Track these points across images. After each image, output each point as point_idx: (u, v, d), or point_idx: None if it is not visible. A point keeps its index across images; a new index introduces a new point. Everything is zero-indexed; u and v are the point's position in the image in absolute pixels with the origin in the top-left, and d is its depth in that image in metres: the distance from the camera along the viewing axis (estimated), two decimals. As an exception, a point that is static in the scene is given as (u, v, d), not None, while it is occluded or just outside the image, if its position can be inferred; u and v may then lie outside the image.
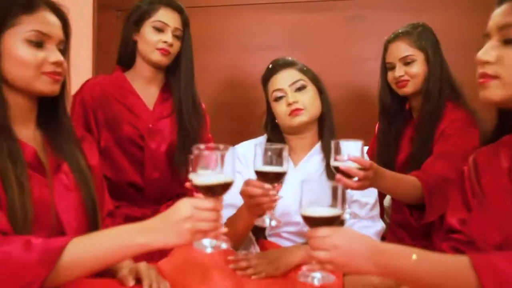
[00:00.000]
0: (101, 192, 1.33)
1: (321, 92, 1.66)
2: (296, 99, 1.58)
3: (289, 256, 1.43)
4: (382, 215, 1.98)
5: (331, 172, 1.47)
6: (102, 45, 2.75)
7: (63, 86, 1.22)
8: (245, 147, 1.67)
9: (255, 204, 1.26)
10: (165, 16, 1.75)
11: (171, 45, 1.75)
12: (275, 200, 1.25)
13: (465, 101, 1.81)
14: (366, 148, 2.21)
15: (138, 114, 1.80)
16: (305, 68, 1.66)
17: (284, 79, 1.62)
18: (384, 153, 1.90)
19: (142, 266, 1.23)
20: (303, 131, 1.64)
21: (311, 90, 1.63)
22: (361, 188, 1.31)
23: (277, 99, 1.63)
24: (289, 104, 1.58)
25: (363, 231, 1.55)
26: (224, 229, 1.07)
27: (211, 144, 1.12)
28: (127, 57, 1.83)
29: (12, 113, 1.14)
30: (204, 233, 1.02)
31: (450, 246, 1.11)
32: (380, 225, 1.63)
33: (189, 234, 1.00)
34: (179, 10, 1.79)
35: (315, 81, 1.66)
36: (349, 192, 1.56)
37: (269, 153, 1.19)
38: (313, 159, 1.65)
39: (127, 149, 1.78)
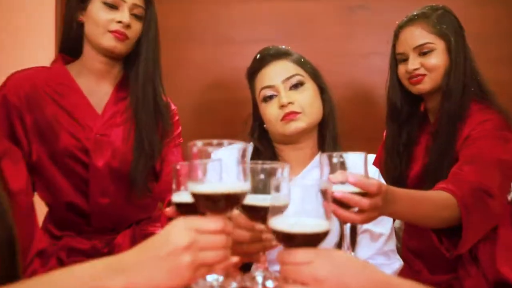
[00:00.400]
0: (27, 225, 1.02)
1: (323, 90, 1.37)
2: (291, 99, 1.28)
3: None
4: None
5: None
6: None
7: None
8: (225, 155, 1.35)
9: (242, 252, 0.91)
10: None
11: (127, 26, 1.39)
12: (271, 247, 0.93)
13: (494, 100, 1.50)
14: (371, 156, 1.96)
15: (81, 119, 1.42)
16: (302, 60, 1.36)
17: (276, 74, 1.32)
18: (393, 166, 1.59)
19: None
20: (299, 140, 1.34)
21: (310, 88, 1.33)
22: (365, 221, 0.97)
23: (267, 99, 1.33)
24: (282, 106, 1.28)
25: None
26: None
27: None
28: (71, 44, 1.46)
29: None
30: (210, 268, 0.75)
31: None
32: (398, 263, 1.30)
33: (188, 271, 0.72)
34: None
35: (315, 76, 1.37)
36: None
37: (262, 175, 0.86)
38: (312, 175, 1.34)
39: (66, 165, 1.41)
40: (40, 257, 1.04)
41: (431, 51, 1.50)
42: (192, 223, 0.74)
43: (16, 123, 1.38)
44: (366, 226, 1.28)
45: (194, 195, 0.78)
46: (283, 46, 1.39)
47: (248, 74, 1.39)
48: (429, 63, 1.49)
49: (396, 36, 1.58)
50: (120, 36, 1.38)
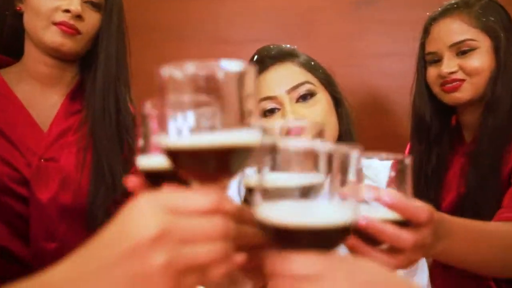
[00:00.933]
0: None
1: (338, 102, 1.12)
2: (298, 114, 1.04)
3: None
4: None
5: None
6: None
7: None
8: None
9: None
10: None
11: (78, 16, 1.11)
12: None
13: None
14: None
15: (19, 140, 1.12)
16: (312, 63, 1.12)
17: (279, 81, 1.07)
18: (420, 195, 1.33)
19: None
20: None
21: (322, 100, 1.08)
22: (402, 267, 0.65)
23: (267, 113, 1.07)
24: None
25: None
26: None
27: None
28: (7, 42, 1.18)
29: None
30: (200, 273, 0.46)
31: None
32: None
33: (164, 278, 0.43)
34: None
35: (329, 84, 1.12)
36: None
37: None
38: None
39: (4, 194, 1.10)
40: None
41: (472, 50, 1.25)
42: (165, 199, 0.46)
43: None
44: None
45: (171, 153, 0.50)
46: (287, 46, 1.15)
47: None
48: (470, 66, 1.24)
49: (427, 31, 1.34)
50: (68, 30, 1.10)
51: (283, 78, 1.07)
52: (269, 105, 1.06)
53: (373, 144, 1.98)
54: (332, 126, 1.08)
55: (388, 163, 0.65)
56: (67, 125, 1.17)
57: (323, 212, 0.48)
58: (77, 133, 1.15)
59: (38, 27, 1.11)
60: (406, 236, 0.61)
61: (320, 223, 0.47)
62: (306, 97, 1.06)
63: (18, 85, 1.16)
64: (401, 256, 0.63)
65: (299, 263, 0.47)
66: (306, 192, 0.48)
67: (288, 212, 0.47)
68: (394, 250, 0.63)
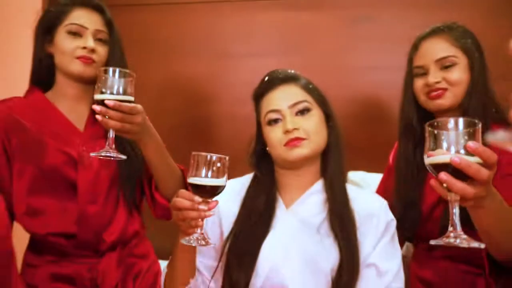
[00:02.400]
0: (4, 274, 0.97)
1: (329, 118, 1.31)
2: (296, 125, 1.23)
3: None
4: None
5: (336, 220, 1.21)
6: None
7: None
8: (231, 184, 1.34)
9: (181, 218, 1.09)
10: (81, 17, 1.48)
11: (93, 50, 1.47)
12: (204, 217, 1.07)
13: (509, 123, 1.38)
14: (373, 175, 1.91)
15: (65, 136, 1.49)
16: (310, 86, 1.31)
17: (283, 98, 1.28)
18: (406, 188, 1.48)
19: None
20: (301, 166, 1.28)
21: (316, 115, 1.27)
22: (476, 197, 0.91)
23: (272, 122, 1.28)
24: (286, 132, 1.23)
25: None
26: None
27: None
28: (43, 75, 1.54)
29: None
30: None
31: None
32: None
33: None
34: (98, 9, 1.52)
35: (323, 103, 1.31)
36: (363, 251, 1.18)
37: (202, 162, 1.10)
38: (311, 201, 1.27)
39: (53, 181, 1.45)
40: None
41: (453, 65, 1.41)
42: None
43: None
44: (372, 260, 1.19)
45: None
46: (292, 71, 1.35)
47: (254, 95, 1.35)
48: (452, 77, 1.40)
49: (416, 47, 1.48)
50: (87, 61, 1.46)
51: (287, 96, 1.27)
52: (274, 116, 1.27)
53: (364, 148, 2.07)
54: (322, 136, 1.27)
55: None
56: (95, 129, 1.51)
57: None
58: (102, 131, 1.48)
59: (65, 62, 1.48)
60: (484, 171, 0.87)
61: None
62: (303, 112, 1.26)
63: (56, 103, 1.53)
64: (477, 188, 0.88)
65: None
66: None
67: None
68: (472, 183, 0.88)
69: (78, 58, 1.45)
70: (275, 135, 1.25)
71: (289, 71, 1.32)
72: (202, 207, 1.05)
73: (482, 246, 0.87)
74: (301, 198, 1.27)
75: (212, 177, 1.07)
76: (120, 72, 1.23)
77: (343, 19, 2.28)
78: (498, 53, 2.13)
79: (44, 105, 1.51)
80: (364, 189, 1.77)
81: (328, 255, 1.17)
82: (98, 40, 1.48)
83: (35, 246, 1.47)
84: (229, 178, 1.35)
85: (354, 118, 2.26)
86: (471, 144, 0.85)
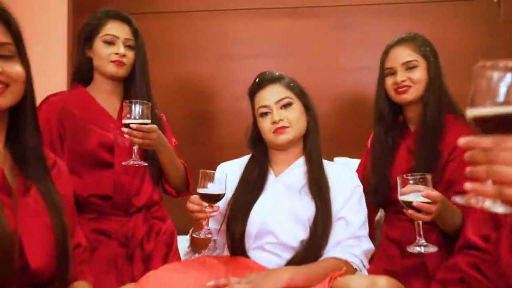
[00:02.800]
0: (71, 222, 1.24)
1: (308, 108, 1.61)
2: (281, 116, 1.54)
3: (273, 279, 1.34)
4: (373, 234, 1.90)
5: (313, 184, 1.53)
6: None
7: (26, 104, 1.16)
8: (227, 166, 1.67)
9: (193, 218, 1.42)
10: (114, 28, 1.81)
11: (123, 55, 1.80)
12: (209, 217, 1.42)
13: (460, 110, 1.75)
14: (355, 160, 2.18)
15: (104, 122, 1.83)
16: (292, 84, 1.61)
17: (270, 96, 1.57)
18: (379, 164, 1.80)
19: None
20: (287, 147, 1.60)
21: (297, 108, 1.58)
22: (429, 220, 1.38)
23: (263, 115, 1.59)
24: (274, 122, 1.54)
25: (348, 250, 1.47)
26: None
27: None
28: (84, 74, 1.88)
29: None
30: None
31: (468, 263, 1.04)
32: (367, 245, 1.52)
33: None
34: (127, 21, 1.85)
35: (302, 97, 1.61)
36: (334, 208, 1.51)
37: (207, 177, 1.41)
38: (295, 172, 1.60)
39: (96, 155, 1.78)
40: (77, 249, 1.26)
41: (416, 67, 1.74)
42: None
43: (54, 135, 1.75)
44: (342, 213, 1.51)
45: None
46: (277, 73, 1.63)
47: (249, 93, 1.64)
48: (414, 77, 1.73)
49: (386, 53, 1.81)
50: (119, 64, 1.80)
51: (273, 94, 1.57)
52: (264, 110, 1.58)
53: (348, 136, 2.37)
54: (302, 124, 1.57)
55: (428, 177, 1.36)
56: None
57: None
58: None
59: (102, 64, 1.82)
60: (432, 206, 1.32)
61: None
62: (286, 106, 1.56)
63: (95, 96, 1.86)
64: (430, 216, 1.35)
65: None
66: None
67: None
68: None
69: (112, 61, 1.78)
70: (266, 125, 1.56)
71: (275, 73, 1.61)
72: (208, 210, 1.38)
73: (436, 249, 1.36)
74: (287, 170, 1.59)
75: (214, 188, 1.38)
76: (139, 103, 1.59)
77: (328, 26, 2.54)
78: (456, 54, 2.42)
79: (86, 97, 1.84)
80: (338, 164, 2.09)
81: (306, 209, 1.49)
82: (127, 46, 1.81)
83: (77, 206, 1.73)
84: (229, 159, 1.73)
85: (340, 112, 2.52)
86: (423, 192, 1.32)
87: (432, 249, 1.35)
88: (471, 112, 0.76)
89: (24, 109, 1.16)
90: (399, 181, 1.37)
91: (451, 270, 1.16)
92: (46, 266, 1.10)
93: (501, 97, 0.73)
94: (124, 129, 1.58)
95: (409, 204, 1.34)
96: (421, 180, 1.36)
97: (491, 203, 0.74)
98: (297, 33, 2.58)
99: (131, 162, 1.63)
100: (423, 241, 1.35)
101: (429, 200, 1.33)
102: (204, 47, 2.65)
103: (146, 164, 1.69)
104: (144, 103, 1.60)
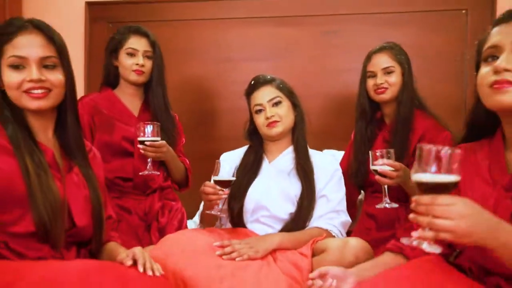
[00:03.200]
0: (104, 196, 1.50)
1: (295, 106, 1.90)
2: (273, 113, 1.82)
3: (267, 242, 1.62)
4: (354, 211, 2.21)
5: (300, 168, 1.82)
6: (94, 56, 2.87)
7: (67, 104, 1.41)
8: (229, 155, 1.97)
9: (207, 199, 1.69)
10: (135, 42, 2.12)
11: (142, 65, 2.11)
12: (220, 198, 1.69)
13: (427, 107, 2.07)
14: (341, 152, 2.42)
15: (127, 119, 2.15)
16: (281, 85, 1.89)
17: (264, 96, 1.86)
18: (360, 152, 2.11)
19: (137, 249, 1.31)
20: (278, 138, 1.88)
21: (286, 105, 1.86)
22: (395, 184, 1.73)
23: (258, 112, 1.87)
24: (267, 118, 1.82)
25: (328, 221, 1.75)
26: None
27: None
28: (111, 79, 2.21)
29: (34, 122, 1.38)
30: None
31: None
32: (344, 217, 1.81)
33: None
34: (146, 35, 2.14)
35: (290, 96, 1.90)
36: (317, 187, 1.80)
37: (221, 168, 1.72)
38: (285, 158, 1.89)
39: (120, 147, 2.10)
40: (108, 220, 1.53)
41: (392, 72, 2.05)
42: None
43: (86, 129, 2.05)
44: (324, 192, 1.80)
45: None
46: (269, 76, 1.90)
47: (245, 93, 1.93)
48: (391, 80, 2.04)
49: (369, 58, 2.11)
50: (139, 73, 2.12)
51: (266, 94, 1.85)
52: (259, 108, 1.86)
53: (336, 131, 2.63)
54: (290, 118, 1.86)
55: (391, 151, 1.69)
56: (145, 115, 2.17)
57: (446, 177, 1.00)
58: (150, 118, 2.12)
59: (125, 73, 2.14)
60: (394, 174, 1.69)
61: (449, 180, 1.00)
62: (277, 104, 1.85)
63: (120, 97, 2.19)
64: (394, 180, 1.71)
65: (444, 199, 0.96)
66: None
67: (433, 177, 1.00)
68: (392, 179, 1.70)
69: (133, 71, 2.10)
70: (260, 120, 1.85)
71: (267, 76, 1.89)
72: (220, 193, 1.66)
73: (395, 205, 1.72)
74: (279, 157, 1.88)
75: (227, 175, 1.69)
76: (152, 124, 1.91)
77: (317, 32, 2.74)
78: (431, 58, 2.60)
79: (113, 98, 2.17)
80: (321, 152, 2.33)
81: (294, 188, 1.78)
82: (146, 57, 2.12)
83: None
84: (230, 149, 2.01)
85: (327, 109, 2.73)
86: (385, 161, 1.69)
87: (394, 205, 1.76)
88: (414, 177, 1.03)
89: (66, 107, 1.41)
90: (371, 154, 1.73)
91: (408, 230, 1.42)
92: (87, 227, 1.38)
93: (433, 169, 1.00)
94: (140, 146, 1.91)
95: (376, 171, 1.71)
96: (387, 153, 1.71)
97: (427, 245, 1.00)
98: (290, 39, 2.78)
99: (146, 173, 1.98)
100: (387, 199, 1.73)
101: (392, 168, 1.68)
102: (207, 51, 2.83)
103: (158, 173, 2.06)
104: (154, 124, 1.93)
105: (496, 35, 1.15)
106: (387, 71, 2.04)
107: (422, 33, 2.67)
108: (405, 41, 2.19)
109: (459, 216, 0.95)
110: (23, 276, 1.11)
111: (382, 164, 1.70)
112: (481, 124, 1.25)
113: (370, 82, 2.08)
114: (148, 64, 2.12)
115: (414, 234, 1.02)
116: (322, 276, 1.29)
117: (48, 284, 1.09)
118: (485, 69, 1.14)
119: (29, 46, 1.33)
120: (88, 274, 1.12)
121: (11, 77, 1.33)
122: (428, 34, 2.67)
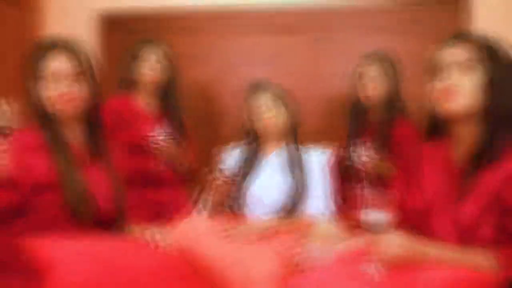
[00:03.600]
0: (124, 186, 1.75)
1: (288, 106, 2.12)
2: (270, 113, 2.06)
3: (261, 224, 1.87)
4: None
5: (291, 163, 2.04)
6: (108, 64, 2.95)
7: (91, 110, 1.67)
8: (230, 151, 2.19)
9: None
10: (148, 52, 2.42)
11: (154, 70, 2.42)
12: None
13: (407, 113, 2.35)
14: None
15: (143, 121, 2.42)
16: (276, 90, 2.13)
17: (261, 99, 2.09)
18: (351, 143, 2.36)
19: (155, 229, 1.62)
20: (273, 136, 2.11)
21: (280, 106, 2.09)
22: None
23: (257, 111, 2.09)
24: (266, 117, 2.06)
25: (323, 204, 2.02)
26: None
27: None
28: (130, 83, 2.49)
29: (65, 125, 1.63)
30: None
31: None
32: (330, 203, 2.06)
33: None
34: (157, 44, 2.44)
35: (283, 98, 2.12)
36: (308, 180, 2.04)
37: None
38: (279, 155, 2.11)
39: (135, 144, 2.35)
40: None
41: (380, 80, 2.33)
42: None
43: (109, 129, 2.23)
44: (314, 184, 2.04)
45: None
46: (266, 81, 2.15)
47: (245, 96, 2.15)
48: (379, 87, 2.33)
49: (362, 67, 2.38)
50: (152, 77, 2.43)
51: (263, 98, 2.08)
52: (258, 108, 2.08)
53: (327, 131, 2.84)
54: (285, 117, 2.08)
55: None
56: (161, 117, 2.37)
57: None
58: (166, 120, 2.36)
59: (141, 78, 2.43)
60: None
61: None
62: (274, 104, 2.08)
63: (138, 100, 2.48)
64: None
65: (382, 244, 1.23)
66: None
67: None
68: None
69: (147, 75, 2.40)
70: (259, 119, 2.08)
71: (264, 81, 2.13)
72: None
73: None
74: (273, 154, 2.10)
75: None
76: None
77: (308, 39, 2.87)
78: (420, 64, 2.66)
79: (131, 102, 2.46)
80: (311, 149, 2.52)
81: (287, 180, 2.00)
82: (157, 63, 2.40)
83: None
84: (230, 147, 2.22)
85: (320, 111, 2.87)
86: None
87: None
88: (363, 216, 1.29)
89: (91, 112, 1.68)
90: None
91: None
92: (110, 211, 1.62)
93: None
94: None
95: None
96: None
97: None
98: (285, 45, 2.92)
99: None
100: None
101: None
102: (208, 57, 2.97)
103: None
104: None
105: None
106: (375, 80, 2.33)
107: (402, 41, 2.77)
108: (394, 47, 2.46)
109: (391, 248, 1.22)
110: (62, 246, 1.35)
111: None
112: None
113: (361, 87, 2.36)
114: (158, 69, 2.40)
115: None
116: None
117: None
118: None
119: (59, 62, 1.58)
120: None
121: (45, 91, 1.58)
122: (420, 41, 2.72)
